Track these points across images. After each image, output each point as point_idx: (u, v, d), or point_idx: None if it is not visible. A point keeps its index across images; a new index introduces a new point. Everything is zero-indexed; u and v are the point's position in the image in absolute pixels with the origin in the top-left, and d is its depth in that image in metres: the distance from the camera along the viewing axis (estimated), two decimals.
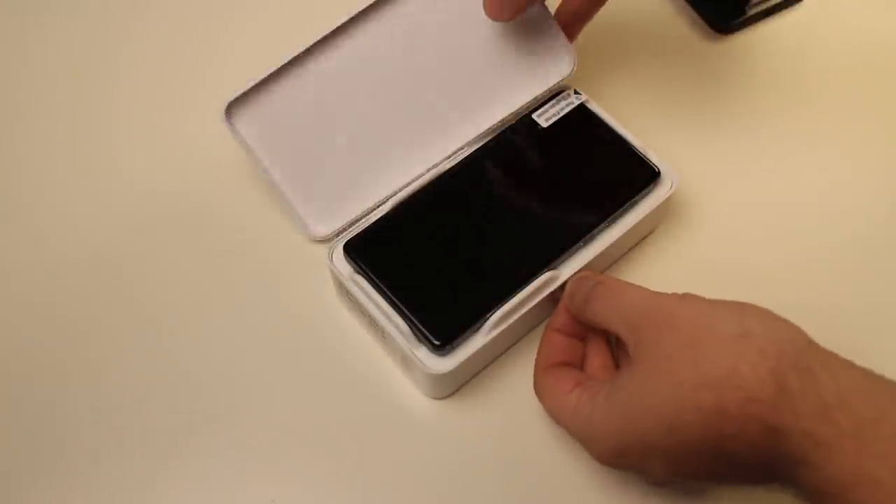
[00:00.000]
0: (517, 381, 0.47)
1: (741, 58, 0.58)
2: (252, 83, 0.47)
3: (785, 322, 0.38)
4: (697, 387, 0.36)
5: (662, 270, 0.51)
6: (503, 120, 0.50)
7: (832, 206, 0.53)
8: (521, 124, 0.50)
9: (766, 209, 0.53)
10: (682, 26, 0.60)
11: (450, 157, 0.50)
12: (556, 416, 0.42)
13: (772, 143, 0.55)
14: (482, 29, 0.50)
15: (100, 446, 0.46)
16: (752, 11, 0.59)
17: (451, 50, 0.50)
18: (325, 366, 0.48)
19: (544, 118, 0.50)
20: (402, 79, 0.50)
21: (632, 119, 0.51)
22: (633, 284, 0.42)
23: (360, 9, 0.48)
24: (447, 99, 0.51)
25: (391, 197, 0.48)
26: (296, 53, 0.48)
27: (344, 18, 0.48)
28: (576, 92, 0.51)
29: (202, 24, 0.61)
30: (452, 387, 0.46)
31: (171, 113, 0.57)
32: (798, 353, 0.36)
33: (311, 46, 0.48)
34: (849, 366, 0.36)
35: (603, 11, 0.59)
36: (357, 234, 0.47)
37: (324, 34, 0.48)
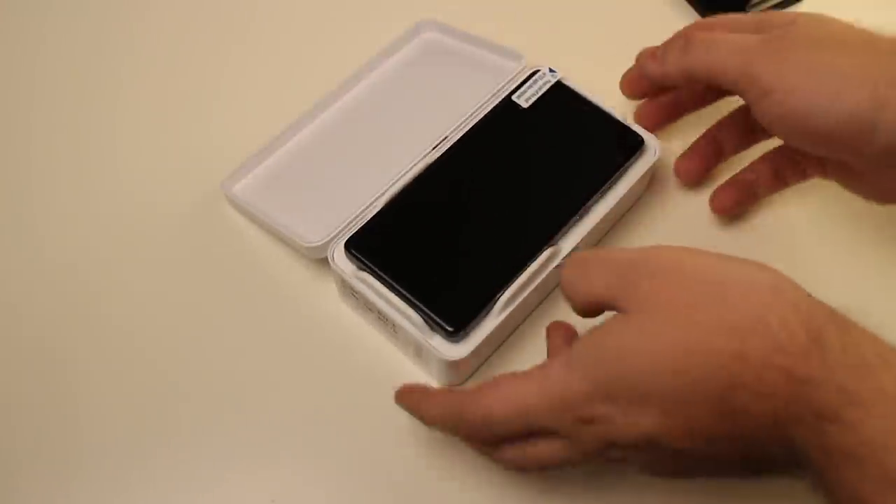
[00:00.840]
0: (529, 362, 0.47)
1: None
2: (243, 163, 0.52)
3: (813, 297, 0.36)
4: (715, 330, 0.34)
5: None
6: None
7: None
8: (502, 107, 0.51)
9: None
10: (682, 26, 0.59)
11: (436, 146, 0.50)
12: (515, 396, 0.37)
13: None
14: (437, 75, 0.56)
15: (101, 446, 0.46)
16: (752, 11, 0.59)
17: (413, 101, 0.55)
18: (331, 366, 0.48)
19: (524, 98, 0.51)
20: (376, 127, 0.54)
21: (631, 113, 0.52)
22: (614, 247, 0.41)
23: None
24: (418, 125, 0.52)
25: (384, 193, 0.48)
26: (282, 129, 0.53)
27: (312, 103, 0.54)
28: (550, 70, 0.52)
29: (207, 38, 0.61)
30: (467, 372, 0.46)
31: (171, 126, 0.57)
32: (832, 313, 0.34)
33: (294, 122, 0.53)
34: (882, 339, 0.34)
35: (602, 11, 0.60)
36: (356, 232, 0.46)
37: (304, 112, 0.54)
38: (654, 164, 0.50)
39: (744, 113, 0.50)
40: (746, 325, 0.34)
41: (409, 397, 0.42)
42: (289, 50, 0.60)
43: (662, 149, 0.50)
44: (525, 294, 0.45)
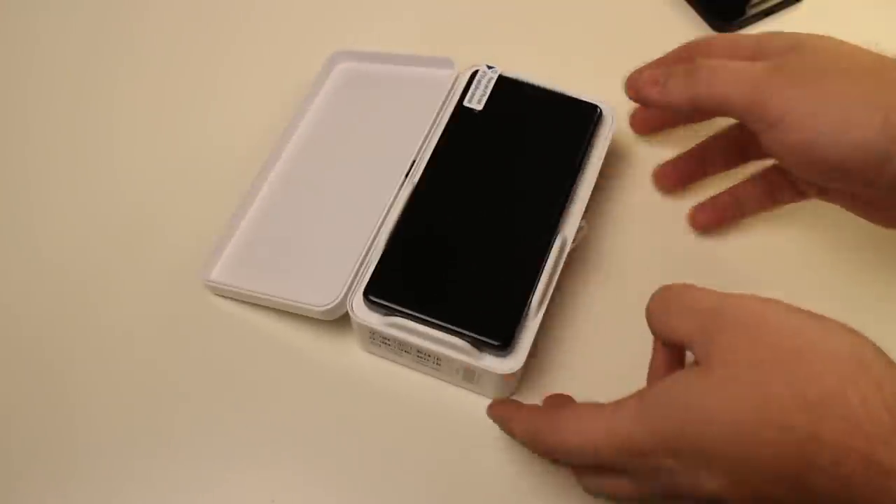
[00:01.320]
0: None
1: None
2: (215, 247, 0.50)
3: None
4: (791, 404, 0.32)
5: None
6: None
7: None
8: (458, 115, 0.50)
9: None
10: (682, 26, 0.59)
11: (408, 173, 0.49)
12: (586, 431, 0.37)
13: None
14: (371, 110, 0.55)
15: (100, 446, 0.46)
16: (752, 11, 0.59)
17: (361, 135, 0.54)
18: (331, 377, 0.48)
19: (475, 101, 0.51)
20: (333, 172, 0.53)
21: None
22: (696, 286, 0.37)
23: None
24: (378, 157, 0.52)
25: (377, 234, 0.47)
26: (238, 202, 0.51)
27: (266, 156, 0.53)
28: (488, 66, 0.52)
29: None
30: (518, 379, 0.46)
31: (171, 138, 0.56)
32: None
33: (248, 190, 0.52)
34: None
35: (602, 13, 0.60)
36: (371, 279, 0.45)
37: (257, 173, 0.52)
38: (615, 127, 0.51)
39: (733, 133, 0.49)
40: (824, 400, 0.32)
41: (498, 412, 0.43)
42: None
43: (617, 109, 0.51)
44: (552, 288, 0.45)
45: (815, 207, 0.49)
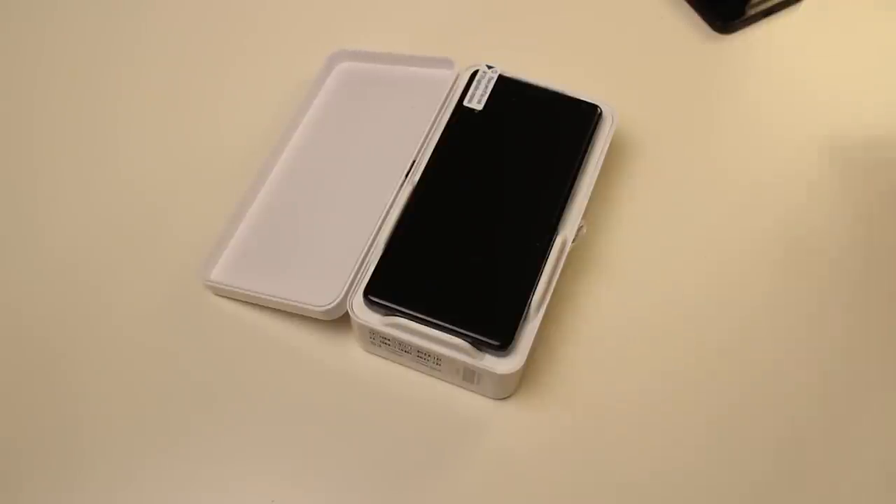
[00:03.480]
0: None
1: (741, 58, 0.59)
2: (213, 246, 0.50)
3: None
4: None
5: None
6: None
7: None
8: (458, 115, 0.50)
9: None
10: (682, 26, 0.59)
11: (408, 173, 0.49)
12: None
13: (772, 141, 0.56)
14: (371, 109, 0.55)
15: (101, 446, 0.46)
16: (752, 11, 0.59)
17: (361, 135, 0.54)
18: (330, 376, 0.48)
19: (475, 101, 0.51)
20: (333, 172, 0.53)
21: (632, 121, 0.53)
22: None
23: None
24: (378, 157, 0.52)
25: (377, 234, 0.47)
26: (237, 202, 0.51)
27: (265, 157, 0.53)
28: (488, 66, 0.52)
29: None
30: (518, 379, 0.46)
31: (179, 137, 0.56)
32: None
33: (248, 190, 0.52)
34: None
35: (602, 12, 0.60)
36: (371, 279, 0.45)
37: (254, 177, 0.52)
38: (616, 127, 0.51)
39: None
40: None
41: None
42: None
43: (617, 109, 0.51)
44: (552, 287, 0.45)
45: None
